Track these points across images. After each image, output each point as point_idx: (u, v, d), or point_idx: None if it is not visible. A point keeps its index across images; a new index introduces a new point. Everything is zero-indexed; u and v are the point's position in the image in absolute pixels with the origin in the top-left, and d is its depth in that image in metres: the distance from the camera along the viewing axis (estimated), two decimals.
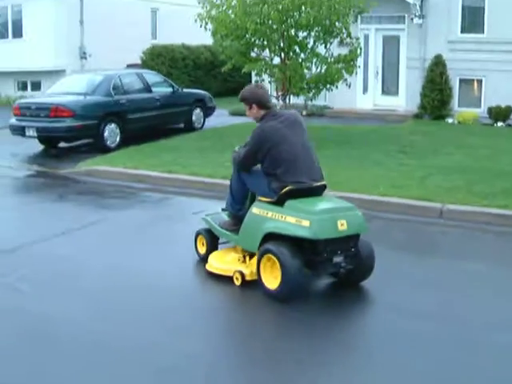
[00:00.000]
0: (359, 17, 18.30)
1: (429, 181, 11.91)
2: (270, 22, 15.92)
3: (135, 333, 5.95)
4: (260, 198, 7.11)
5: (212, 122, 20.39)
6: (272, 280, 6.66)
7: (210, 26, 16.97)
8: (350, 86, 17.06)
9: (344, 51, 16.97)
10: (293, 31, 16.48)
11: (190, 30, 26.35)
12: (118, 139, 16.63)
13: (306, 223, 6.48)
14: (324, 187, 7.12)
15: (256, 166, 7.20)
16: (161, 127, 18.79)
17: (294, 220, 6.56)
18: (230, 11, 16.34)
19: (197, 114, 19.73)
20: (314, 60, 16.66)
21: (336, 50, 17.25)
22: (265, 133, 6.99)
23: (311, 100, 17.35)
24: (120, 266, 7.93)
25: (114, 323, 6.19)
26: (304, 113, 17.24)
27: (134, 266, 7.85)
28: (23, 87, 33.11)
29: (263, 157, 6.95)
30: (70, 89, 17.46)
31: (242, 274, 6.98)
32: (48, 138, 16.92)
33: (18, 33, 32.51)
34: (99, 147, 16.20)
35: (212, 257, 7.55)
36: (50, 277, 7.54)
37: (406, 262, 8.14)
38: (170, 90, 19.03)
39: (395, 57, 23.30)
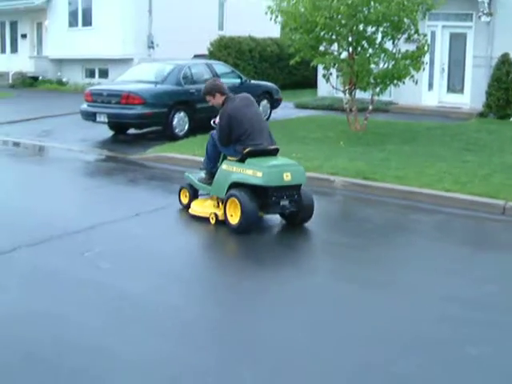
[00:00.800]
0: (427, 14, 18.27)
1: (493, 178, 11.94)
2: (340, 16, 16.10)
3: (202, 310, 6.28)
4: (228, 157, 9.38)
5: (278, 113, 20.60)
6: (234, 217, 8.87)
7: (279, 18, 17.21)
8: (416, 83, 17.11)
9: (411, 47, 17.04)
10: (361, 26, 16.60)
11: (257, 23, 26.71)
12: (186, 128, 16.97)
13: (259, 174, 8.76)
14: (276, 150, 9.41)
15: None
16: None
17: (252, 172, 8.84)
18: (300, 5, 16.54)
19: (264, 105, 19.90)
20: (382, 55, 16.76)
21: (403, 46, 17.30)
22: (229, 114, 9.24)
23: (378, 95, 17.43)
24: (188, 249, 8.41)
25: (185, 297, 6.54)
26: (370, 108, 17.30)
27: (200, 247, 8.24)
28: (91, 74, 33.77)
29: (231, 129, 9.18)
30: (140, 77, 17.84)
31: (216, 215, 9.24)
32: (118, 124, 17.38)
33: (87, 21, 33.17)
34: (168, 135, 16.57)
35: (194, 204, 9.88)
36: (125, 254, 7.93)
37: (465, 255, 8.31)
38: (238, 80, 19.27)
39: (461, 54, 23.22)
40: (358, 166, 12.57)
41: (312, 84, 27.18)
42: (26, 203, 10.63)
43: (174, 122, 16.64)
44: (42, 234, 8.71)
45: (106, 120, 16.65)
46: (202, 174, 10.01)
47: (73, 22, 34.01)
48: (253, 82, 20.60)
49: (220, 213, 9.17)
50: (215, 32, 32.78)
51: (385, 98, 21.33)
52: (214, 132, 9.76)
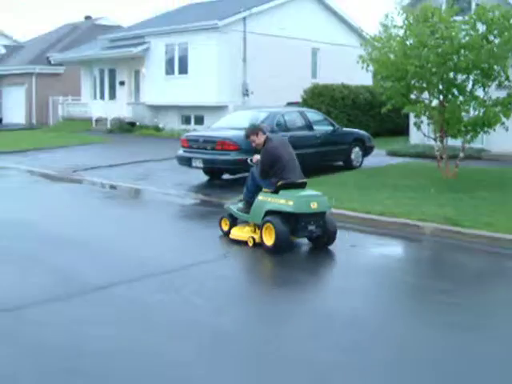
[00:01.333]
0: None
1: None
2: (430, 65, 16.28)
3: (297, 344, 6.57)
4: (264, 190, 11.03)
5: (370, 161, 20.76)
6: (269, 240, 10.44)
7: (371, 67, 17.52)
8: (507, 130, 17.08)
9: (502, 94, 17.06)
10: (452, 74, 16.71)
11: (349, 70, 27.05)
12: None
13: (290, 203, 10.48)
14: (305, 183, 11.15)
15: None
16: (321, 164, 19.18)
17: (284, 201, 10.55)
18: (391, 54, 16.83)
19: (356, 152, 20.15)
20: (472, 103, 16.82)
21: (494, 92, 17.33)
22: (270, 152, 11.01)
23: (468, 142, 17.46)
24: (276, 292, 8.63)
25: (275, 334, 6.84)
26: (461, 155, 17.35)
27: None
28: (187, 121, 34.59)
29: (271, 165, 10.89)
30: (235, 124, 18.30)
31: (254, 239, 10.80)
32: (213, 170, 17.86)
33: (183, 69, 34.13)
34: None
35: (234, 230, 11.39)
36: (217, 293, 8.34)
37: None
38: (330, 128, 19.57)
39: None
40: (448, 212, 12.64)
41: (404, 131, 27.28)
42: (123, 243, 11.17)
43: None
44: (139, 272, 9.21)
45: (202, 165, 17.16)
46: (241, 205, 11.58)
47: (169, 70, 35.06)
48: (345, 129, 20.87)
49: (257, 236, 10.78)
50: (308, 80, 33.24)
51: (477, 144, 21.31)
52: (254, 168, 11.51)
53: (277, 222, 10.35)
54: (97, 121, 37.65)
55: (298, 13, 35.29)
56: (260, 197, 11.01)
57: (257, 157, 11.50)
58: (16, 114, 49.74)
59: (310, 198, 10.76)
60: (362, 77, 25.86)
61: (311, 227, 10.60)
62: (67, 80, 46.98)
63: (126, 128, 35.34)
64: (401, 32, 17.14)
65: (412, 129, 23.28)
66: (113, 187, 18.21)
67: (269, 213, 10.63)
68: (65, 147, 28.90)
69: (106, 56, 38.85)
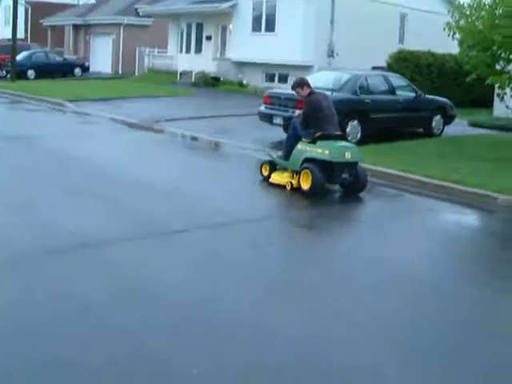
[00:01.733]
0: None
1: None
2: None
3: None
4: (303, 139, 12.06)
5: (450, 130, 20.59)
6: (306, 184, 11.49)
7: (457, 35, 17.33)
8: None
9: None
10: None
11: (437, 38, 26.59)
12: (358, 136, 17.25)
13: (326, 152, 11.56)
14: (340, 135, 12.32)
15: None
16: (401, 129, 19.15)
17: (321, 150, 11.62)
18: (479, 22, 16.62)
19: (437, 120, 19.98)
20: None
21: None
22: (313, 102, 12.06)
23: None
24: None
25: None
26: None
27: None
28: (270, 78, 34.59)
29: (313, 114, 11.96)
30: (318, 84, 18.31)
31: (291, 183, 11.80)
32: None
33: (270, 27, 34.06)
34: None
35: (274, 175, 12.40)
36: (291, 243, 8.52)
37: None
38: (412, 94, 19.45)
39: None
40: None
41: (489, 103, 26.88)
42: (200, 192, 11.49)
43: (348, 130, 16.95)
44: (215, 219, 9.55)
45: (282, 122, 17.29)
46: (281, 153, 12.86)
47: (256, 27, 35.11)
48: (428, 96, 20.69)
49: (295, 181, 11.81)
50: (395, 45, 32.87)
51: None
52: (296, 119, 12.62)
53: (314, 169, 11.46)
54: (182, 74, 38.03)
55: None
56: (299, 146, 12.09)
57: (299, 111, 12.88)
58: (103, 63, 50.54)
59: (344, 148, 11.91)
60: (449, 45, 25.51)
61: (345, 175, 11.79)
62: (154, 32, 47.45)
63: (210, 82, 35.59)
64: (490, 0, 16.88)
65: (496, 101, 22.94)
66: (193, 139, 18.54)
67: (307, 160, 11.75)
68: (149, 98, 29.37)
69: (193, 10, 39.04)
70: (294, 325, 5.94)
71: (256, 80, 34.65)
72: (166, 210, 10.06)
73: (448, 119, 20.59)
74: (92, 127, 20.60)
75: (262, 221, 9.75)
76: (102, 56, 51.02)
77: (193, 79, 36.48)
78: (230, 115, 22.85)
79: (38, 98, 27.88)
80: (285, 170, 12.39)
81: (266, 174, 12.60)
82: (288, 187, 11.82)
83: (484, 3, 16.93)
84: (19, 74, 40.61)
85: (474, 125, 23.16)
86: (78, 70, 46.50)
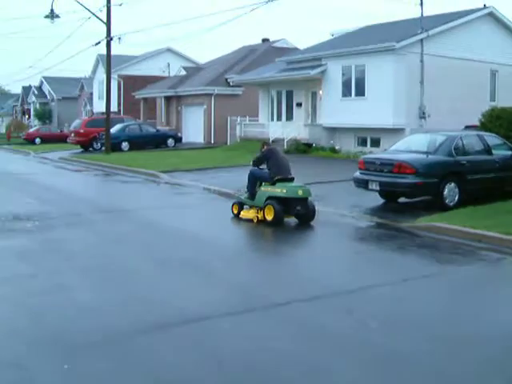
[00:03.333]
0: None
1: None
2: None
3: None
4: (264, 183, 15.95)
5: None
6: (270, 216, 15.17)
7: None
8: None
9: None
10: None
11: None
12: (456, 198, 16.97)
13: (284, 190, 15.29)
14: (293, 178, 16.07)
15: (262, 166, 16.56)
16: (498, 190, 18.64)
17: (279, 190, 15.36)
18: None
19: None
20: None
21: None
22: (267, 152, 16.32)
23: None
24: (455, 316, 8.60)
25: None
26: None
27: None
28: (363, 143, 34.60)
29: (266, 162, 16.15)
30: (412, 147, 18.26)
31: (257, 217, 15.50)
32: (389, 193, 17.84)
33: (360, 91, 34.22)
34: (438, 205, 16.73)
35: (243, 212, 16.25)
36: (393, 317, 8.39)
37: None
38: (509, 153, 19.00)
39: None
40: None
41: None
42: (299, 261, 11.50)
43: (445, 193, 16.75)
44: (314, 290, 9.46)
45: (378, 188, 17.21)
46: (246, 195, 16.54)
47: (346, 92, 35.25)
48: None
49: (260, 215, 15.60)
50: (486, 102, 32.48)
51: None
52: (252, 169, 16.75)
53: (275, 204, 15.23)
54: (273, 141, 38.31)
55: (475, 34, 34.64)
56: (262, 188, 15.99)
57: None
58: (195, 133, 51.51)
59: (297, 187, 15.78)
60: None
61: (298, 207, 15.45)
62: (245, 101, 48.23)
63: (302, 149, 35.74)
64: None
65: None
66: None
67: (269, 198, 15.47)
68: (242, 167, 29.57)
69: (283, 78, 39.56)
70: None
71: (348, 145, 34.70)
72: (262, 281, 10.10)
73: None
74: (186, 198, 20.91)
75: (365, 291, 9.63)
76: (194, 126, 52.03)
77: (285, 146, 36.70)
78: (324, 182, 22.84)
79: (132, 169, 28.57)
80: (250, 207, 16.17)
81: (235, 212, 16.50)
82: (255, 220, 15.65)
83: None
84: (113, 146, 41.87)
85: None
86: (170, 141, 47.62)
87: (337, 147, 34.79)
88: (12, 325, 8.01)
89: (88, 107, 79.52)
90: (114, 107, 58.56)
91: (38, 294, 9.41)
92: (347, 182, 19.81)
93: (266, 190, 15.75)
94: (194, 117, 52.42)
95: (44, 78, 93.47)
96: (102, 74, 62.74)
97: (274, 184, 15.69)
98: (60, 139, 60.91)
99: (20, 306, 8.79)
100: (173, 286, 9.91)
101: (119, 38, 40.17)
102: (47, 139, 63.98)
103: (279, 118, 41.28)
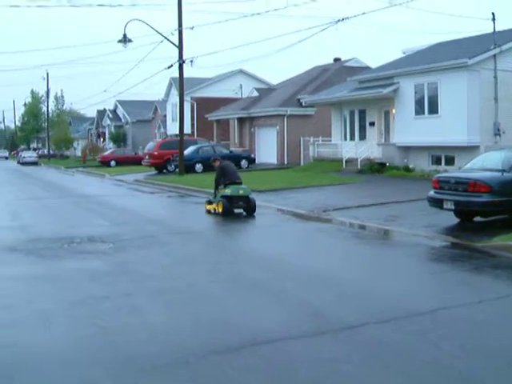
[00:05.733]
0: None
1: None
2: None
3: None
4: (220, 186, 21.96)
5: None
6: (220, 209, 21.34)
7: None
8: None
9: None
10: None
11: None
12: None
13: (228, 191, 21.46)
14: (240, 182, 22.03)
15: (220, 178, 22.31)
16: None
17: (227, 190, 21.49)
18: None
19: None
20: None
21: None
22: (219, 168, 22.38)
23: None
24: None
25: None
26: None
27: None
28: (437, 161, 34.18)
29: (221, 175, 22.05)
30: (487, 165, 17.93)
31: (215, 209, 21.70)
32: (464, 212, 17.52)
33: (433, 109, 33.90)
34: None
35: (206, 206, 22.67)
36: (468, 339, 8.18)
37: None
38: None
39: None
40: None
41: None
42: (370, 282, 11.33)
43: None
44: (387, 312, 9.31)
45: (453, 207, 16.92)
46: (212, 196, 23.02)
47: (419, 110, 34.92)
48: None
49: (218, 208, 21.59)
50: None
51: None
52: (216, 178, 22.46)
53: (223, 200, 21.38)
54: (347, 161, 38.23)
55: None
56: (219, 189, 22.02)
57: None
58: (268, 153, 51.73)
59: (239, 187, 21.74)
60: None
61: (240, 203, 21.60)
62: (317, 121, 48.27)
63: (375, 168, 35.52)
64: None
65: None
66: (361, 227, 18.41)
67: (221, 196, 21.61)
68: (315, 187, 29.67)
69: (355, 97, 39.46)
70: None
71: (422, 163, 34.34)
72: (333, 302, 9.97)
73: None
74: (259, 218, 20.90)
75: (439, 313, 9.43)
76: (267, 147, 52.28)
77: (358, 166, 36.59)
78: (398, 201, 22.64)
79: (205, 190, 28.71)
80: (212, 203, 22.29)
81: (207, 207, 22.61)
82: (213, 211, 21.91)
83: None
84: (187, 167, 42.29)
85: None
86: (244, 162, 47.85)
87: (410, 166, 34.44)
88: (86, 345, 8.09)
89: (162, 129, 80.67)
90: (187, 129, 59.22)
91: (110, 315, 9.49)
92: (421, 201, 19.56)
93: (220, 190, 21.91)
94: (266, 138, 52.70)
95: (118, 101, 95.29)
96: (175, 97, 63.52)
97: (225, 186, 21.73)
98: (134, 161, 61.78)
99: (94, 326, 8.86)
100: (244, 306, 9.90)
101: (191, 61, 40.54)
102: (122, 161, 65.06)
103: (352, 138, 41.12)
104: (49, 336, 8.62)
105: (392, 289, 10.91)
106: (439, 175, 18.87)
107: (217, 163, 22.76)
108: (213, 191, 22.77)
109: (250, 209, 21.42)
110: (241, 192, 21.42)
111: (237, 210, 21.53)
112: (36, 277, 12.29)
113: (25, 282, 11.92)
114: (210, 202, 22.61)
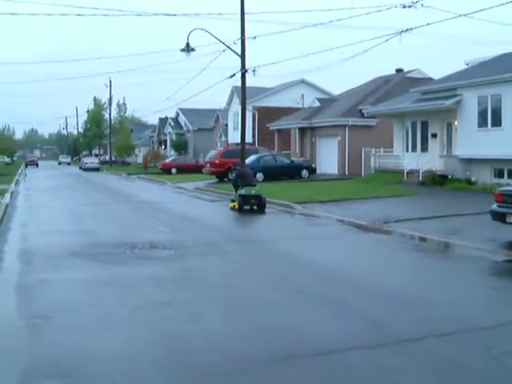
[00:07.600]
0: None
1: None
2: None
3: None
4: (239, 188, 27.25)
5: None
6: (237, 206, 26.55)
7: None
8: None
9: None
10: None
11: None
12: None
13: (243, 191, 26.74)
14: (255, 184, 28.10)
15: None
16: None
17: (243, 190, 26.80)
18: None
19: None
20: None
21: None
22: (237, 173, 29.07)
23: None
24: None
25: None
26: None
27: None
28: (499, 175, 33.72)
29: (239, 178, 27.95)
30: None
31: (235, 206, 26.88)
32: None
33: (496, 121, 33.50)
34: None
35: (230, 204, 27.75)
36: None
37: None
38: None
39: None
40: None
41: None
42: (432, 295, 11.23)
43: None
44: (449, 325, 9.24)
45: None
46: (234, 196, 27.75)
47: (481, 122, 34.54)
48: None
49: (235, 205, 26.63)
50: None
51: None
52: (234, 180, 28.69)
53: (239, 199, 26.17)
54: (408, 173, 37.96)
55: None
56: (239, 191, 26.66)
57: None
58: (329, 164, 51.64)
59: (252, 188, 26.55)
60: None
61: (253, 201, 26.29)
62: (379, 132, 48.01)
63: (437, 181, 35.21)
64: None
65: None
66: (422, 239, 18.27)
67: (239, 195, 26.29)
68: (376, 198, 29.58)
69: (417, 109, 39.18)
70: None
71: (484, 177, 33.94)
72: (393, 313, 9.93)
73: None
74: (320, 229, 20.93)
75: (502, 328, 9.32)
76: (328, 157, 52.20)
77: (420, 178, 36.33)
78: (460, 214, 22.44)
79: (266, 200, 28.82)
80: (234, 201, 26.93)
81: (230, 205, 27.10)
82: (233, 207, 26.58)
83: None
84: None
85: None
86: (305, 172, 47.88)
87: (473, 179, 34.05)
88: (147, 350, 8.20)
89: (223, 138, 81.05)
90: (248, 138, 59.42)
91: (172, 321, 9.62)
92: (483, 214, 19.32)
93: (239, 191, 26.65)
94: (328, 148, 52.64)
95: (180, 109, 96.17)
96: (236, 106, 63.90)
97: (242, 187, 26.54)
98: (195, 169, 62.23)
99: (155, 332, 8.99)
100: (304, 316, 9.91)
101: (254, 70, 40.56)
102: (183, 169, 65.61)
103: (414, 149, 40.83)
104: (111, 340, 8.79)
105: (453, 302, 10.81)
106: (502, 189, 18.63)
107: (236, 169, 32.77)
108: (234, 192, 28.12)
109: (261, 206, 26.22)
110: (253, 192, 26.43)
111: (245, 207, 26.50)
112: (99, 282, 12.50)
113: (88, 286, 12.11)
114: (232, 201, 27.28)
